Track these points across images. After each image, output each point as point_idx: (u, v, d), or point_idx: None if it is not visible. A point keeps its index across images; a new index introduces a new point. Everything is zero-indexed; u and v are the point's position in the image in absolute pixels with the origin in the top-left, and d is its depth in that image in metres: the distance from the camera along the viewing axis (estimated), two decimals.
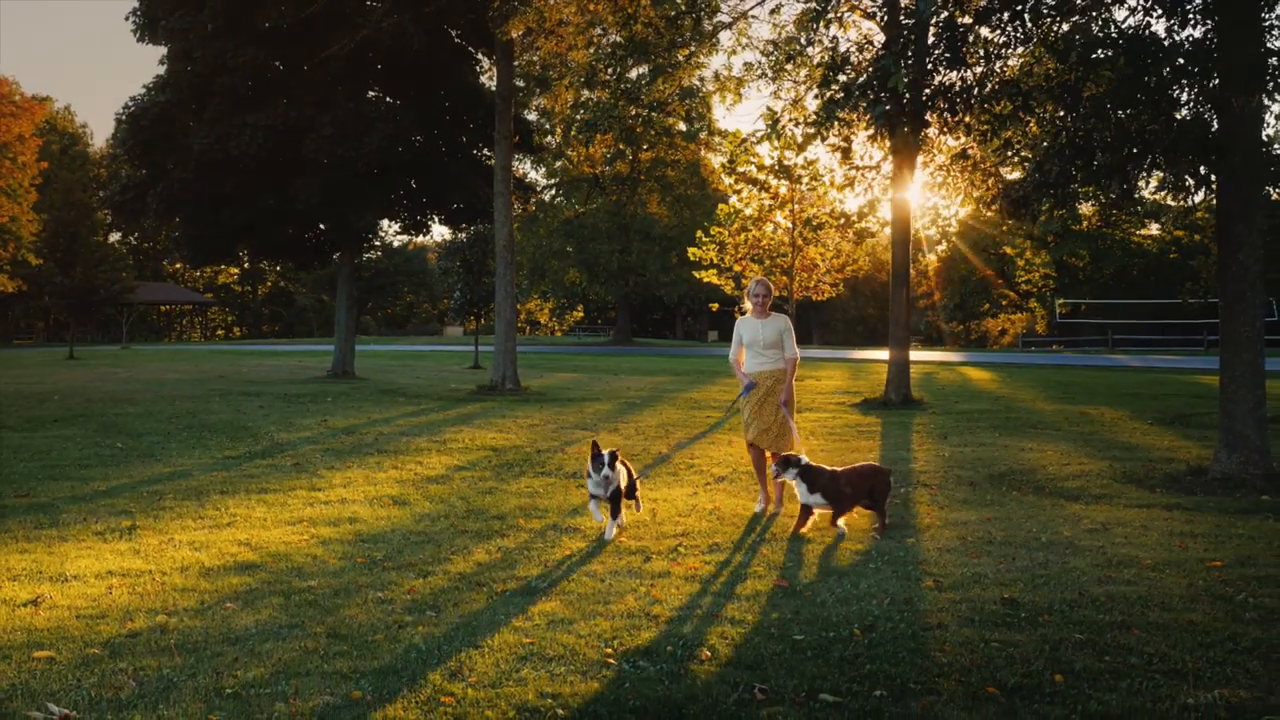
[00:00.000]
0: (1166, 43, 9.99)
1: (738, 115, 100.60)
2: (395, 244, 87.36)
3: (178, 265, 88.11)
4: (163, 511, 9.69)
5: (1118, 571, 6.99)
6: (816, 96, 13.40)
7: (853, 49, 13.52)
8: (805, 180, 25.54)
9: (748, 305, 9.79)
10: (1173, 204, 15.46)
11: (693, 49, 20.36)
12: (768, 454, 9.56)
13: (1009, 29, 10.38)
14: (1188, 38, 10.12)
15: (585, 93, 33.18)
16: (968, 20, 10.37)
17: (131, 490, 10.90)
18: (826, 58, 12.65)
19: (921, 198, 24.13)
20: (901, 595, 6.47)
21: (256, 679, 5.11)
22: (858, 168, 15.93)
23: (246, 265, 75.35)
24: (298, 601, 6.55)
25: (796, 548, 7.95)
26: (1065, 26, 10.50)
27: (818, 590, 6.64)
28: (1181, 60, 9.75)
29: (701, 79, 36.69)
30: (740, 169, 26.54)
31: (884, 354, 28.60)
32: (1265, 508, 9.30)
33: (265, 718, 4.61)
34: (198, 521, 9.23)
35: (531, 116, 39.40)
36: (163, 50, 25.28)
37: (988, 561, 7.35)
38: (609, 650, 5.49)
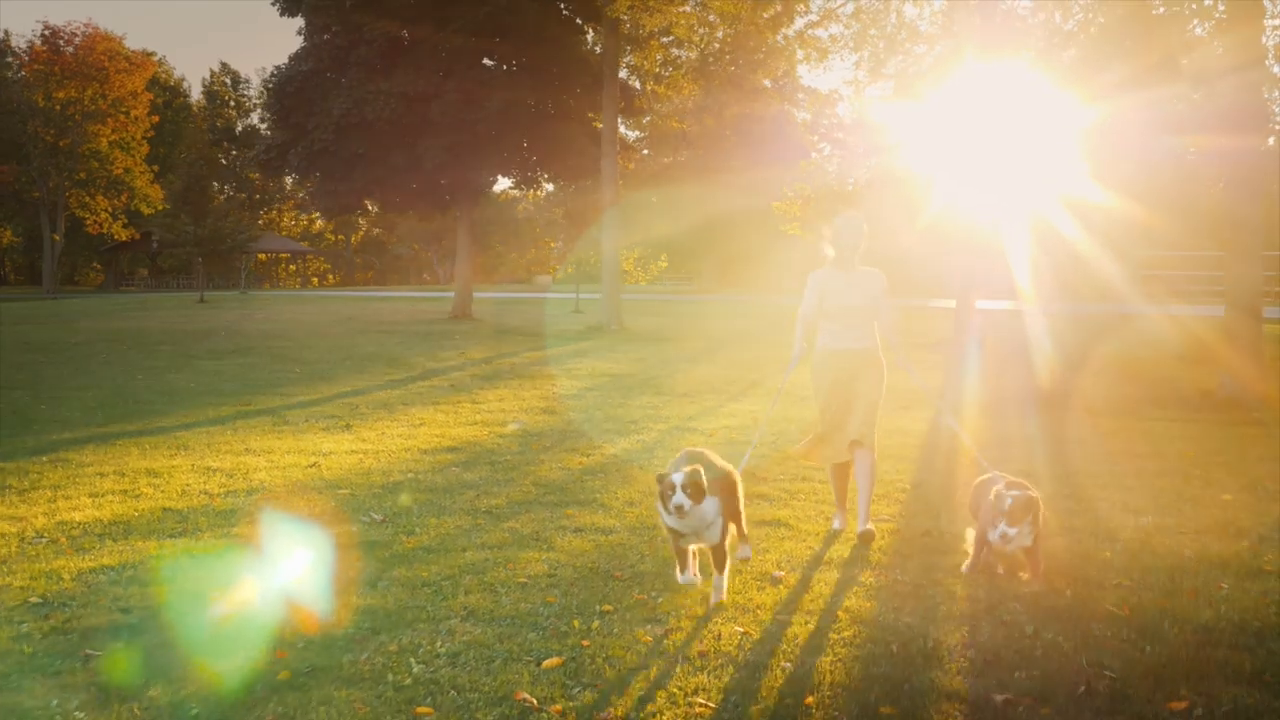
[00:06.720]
0: None
1: (820, 75, 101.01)
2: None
3: (273, 214, 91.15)
4: (365, 416, 12.33)
5: (1107, 456, 9.25)
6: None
7: None
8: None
9: (828, 253, 6.75)
10: None
11: (779, 7, 22.29)
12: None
13: None
14: None
15: (675, 52, 35.14)
16: None
17: (329, 402, 13.59)
18: None
19: None
20: (941, 466, 8.82)
21: (496, 505, 7.64)
22: None
23: (371, 214, 78.14)
24: (502, 466, 9.10)
25: None
26: None
27: (880, 463, 8.99)
28: None
29: (786, 36, 38.37)
30: (824, 124, 28.42)
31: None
32: (1253, 420, 11.40)
33: (513, 521, 7.13)
34: (395, 422, 11.84)
35: (622, 74, 41.49)
36: (297, 22, 28.10)
37: (1006, 449, 9.64)
38: None
